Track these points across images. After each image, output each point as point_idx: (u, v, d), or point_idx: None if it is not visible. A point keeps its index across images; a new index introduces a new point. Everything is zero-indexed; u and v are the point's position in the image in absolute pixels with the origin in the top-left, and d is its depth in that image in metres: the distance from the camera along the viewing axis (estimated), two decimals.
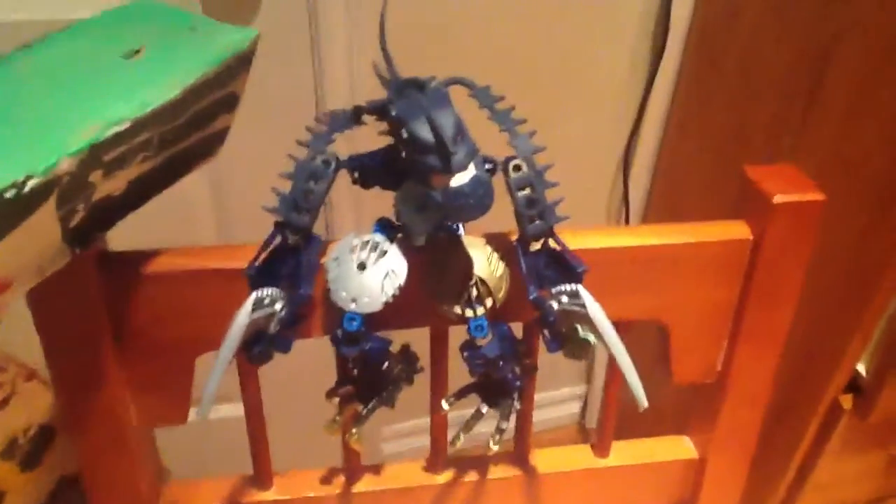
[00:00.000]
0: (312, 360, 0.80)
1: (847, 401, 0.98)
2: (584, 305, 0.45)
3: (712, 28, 1.15)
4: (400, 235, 0.48)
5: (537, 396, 0.63)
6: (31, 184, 0.37)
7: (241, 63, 0.50)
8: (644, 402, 0.45)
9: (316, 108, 1.09)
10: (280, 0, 1.01)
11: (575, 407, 1.65)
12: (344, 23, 1.04)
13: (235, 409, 0.64)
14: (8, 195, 0.36)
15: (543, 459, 0.65)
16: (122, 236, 0.52)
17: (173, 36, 0.49)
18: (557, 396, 1.62)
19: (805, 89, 0.95)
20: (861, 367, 0.97)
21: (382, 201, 0.50)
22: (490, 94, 0.48)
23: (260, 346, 0.48)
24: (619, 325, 0.46)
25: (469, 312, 0.48)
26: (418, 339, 0.56)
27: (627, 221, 1.37)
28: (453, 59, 1.12)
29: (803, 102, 0.96)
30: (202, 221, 1.14)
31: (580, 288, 0.46)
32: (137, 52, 0.46)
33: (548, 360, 0.57)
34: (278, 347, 0.48)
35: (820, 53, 0.93)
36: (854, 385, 0.98)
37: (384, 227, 0.49)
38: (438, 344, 0.57)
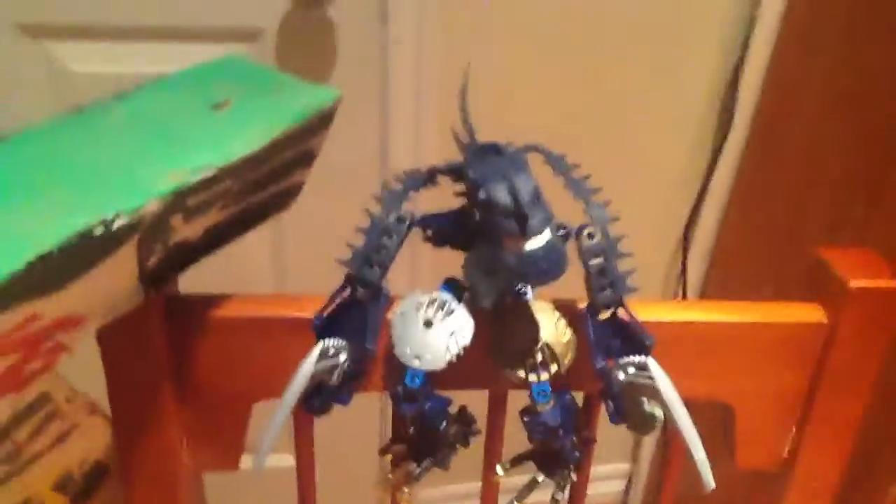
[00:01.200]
0: (361, 414, 0.80)
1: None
2: (651, 378, 0.45)
3: (776, 112, 1.15)
4: (467, 296, 0.48)
5: None
6: (118, 222, 0.38)
7: (321, 121, 0.51)
8: (711, 484, 0.44)
9: (380, 172, 1.11)
10: (353, 63, 1.04)
11: (619, 485, 1.61)
12: (413, 91, 1.06)
13: (281, 460, 0.64)
14: (97, 232, 0.37)
15: None
16: (180, 283, 0.53)
17: (260, 91, 0.50)
18: (601, 472, 1.57)
19: (868, 181, 0.94)
20: None
21: (440, 261, 0.50)
22: (565, 161, 0.48)
23: (320, 397, 0.48)
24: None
25: (533, 377, 0.47)
26: (474, 401, 0.55)
27: (684, 299, 1.35)
28: (514, 130, 1.13)
29: (866, 194, 0.95)
30: (260, 274, 1.16)
31: (650, 360, 0.45)
32: (225, 104, 0.48)
33: None
34: (338, 399, 0.48)
35: (885, 144, 0.92)
36: None
37: (451, 286, 0.49)
38: (497, 407, 0.56)
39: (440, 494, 1.44)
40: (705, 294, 1.36)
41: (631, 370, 0.46)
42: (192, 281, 0.54)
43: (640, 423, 0.47)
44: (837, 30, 1.02)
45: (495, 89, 1.11)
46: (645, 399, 0.46)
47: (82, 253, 0.38)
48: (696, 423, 0.46)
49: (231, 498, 0.94)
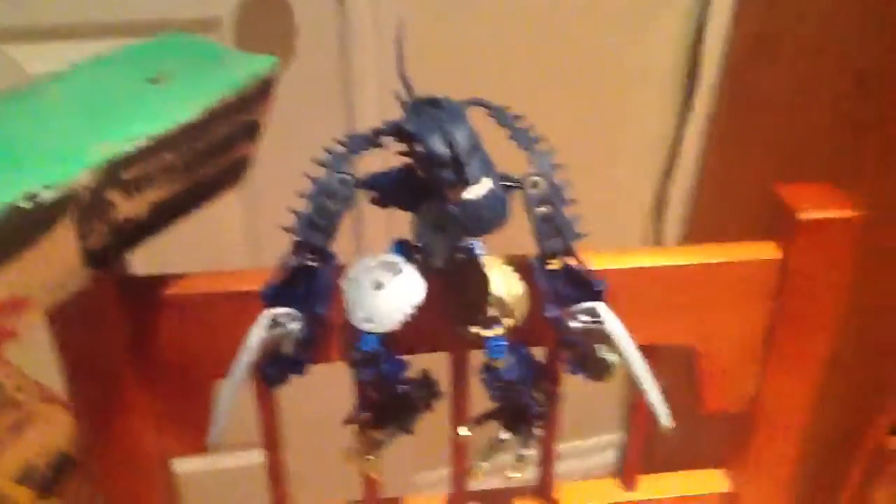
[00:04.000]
0: (332, 388, 0.79)
1: (893, 442, 0.94)
2: (602, 322, 0.44)
3: (746, 64, 1.14)
4: (418, 256, 0.48)
5: (573, 444, 0.62)
6: (46, 195, 0.37)
7: (262, 89, 0.51)
8: (667, 420, 0.43)
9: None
10: (314, 45, 1.03)
11: (612, 456, 1.61)
12: (375, 65, 1.06)
13: (258, 457, 0.63)
14: (24, 205, 0.37)
15: (568, 493, 0.62)
16: (151, 259, 0.52)
17: (198, 64, 0.50)
18: (594, 444, 1.57)
19: (853, 129, 0.93)
20: None
21: (396, 222, 0.50)
22: (507, 113, 0.48)
23: (274, 366, 0.47)
24: (645, 350, 0.45)
25: (486, 332, 0.47)
26: (438, 365, 0.55)
27: None
28: (479, 93, 1.13)
29: (851, 145, 0.94)
30: (234, 246, 1.15)
31: (599, 305, 0.45)
32: (162, 78, 0.47)
33: (584, 407, 0.56)
34: (293, 369, 0.48)
35: (865, 90, 0.91)
36: None
37: (402, 247, 0.48)
38: (458, 369, 0.56)
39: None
40: None
41: (583, 317, 0.45)
42: (161, 257, 0.53)
43: (595, 370, 0.47)
44: None
45: (459, 55, 1.10)
46: (600, 346, 0.46)
47: (13, 231, 0.37)
48: (659, 368, 0.46)
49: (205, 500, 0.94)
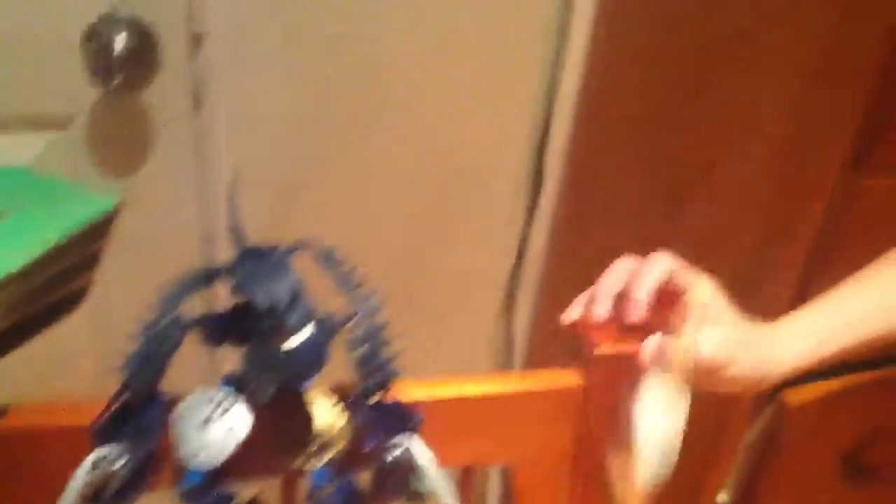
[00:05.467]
0: None
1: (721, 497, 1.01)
2: (413, 456, 0.48)
3: (583, 173, 1.23)
4: (248, 389, 0.50)
5: None
6: None
7: (99, 229, 0.53)
8: None
9: (204, 257, 1.11)
10: (169, 148, 1.04)
11: None
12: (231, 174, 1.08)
13: None
14: None
15: None
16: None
17: (33, 203, 0.51)
18: None
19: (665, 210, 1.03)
20: (722, 498, 1.00)
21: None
22: (334, 257, 0.52)
23: None
24: (467, 470, 0.48)
25: (308, 465, 0.50)
26: (271, 487, 0.57)
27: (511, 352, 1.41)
28: (330, 212, 1.17)
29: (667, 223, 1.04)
30: (81, 369, 1.12)
31: (413, 439, 0.49)
32: None
33: None
34: None
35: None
36: None
37: (231, 382, 0.51)
38: (289, 493, 0.58)
39: None
40: (532, 360, 1.41)
41: (397, 451, 0.49)
42: (12, 384, 0.52)
43: (409, 499, 0.50)
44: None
45: (301, 178, 1.13)
46: (412, 476, 0.50)
47: None
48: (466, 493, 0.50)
49: None
